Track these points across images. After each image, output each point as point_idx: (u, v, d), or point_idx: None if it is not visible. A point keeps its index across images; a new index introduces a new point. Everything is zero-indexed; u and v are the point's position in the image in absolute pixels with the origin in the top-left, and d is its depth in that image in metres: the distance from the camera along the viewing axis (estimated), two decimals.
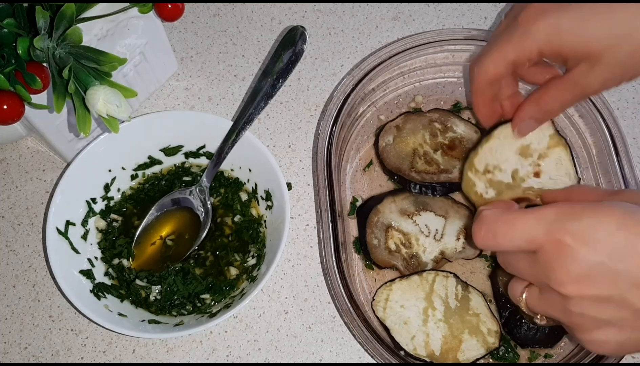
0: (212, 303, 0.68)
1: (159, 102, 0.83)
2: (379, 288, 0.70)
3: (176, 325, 0.65)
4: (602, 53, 0.52)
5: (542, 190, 0.67)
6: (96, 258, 0.70)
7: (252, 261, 0.70)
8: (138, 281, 0.68)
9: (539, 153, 0.68)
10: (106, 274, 0.69)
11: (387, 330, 0.68)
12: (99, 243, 0.71)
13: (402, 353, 0.66)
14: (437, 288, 0.69)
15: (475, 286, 0.71)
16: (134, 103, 0.81)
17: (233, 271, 0.70)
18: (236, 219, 0.73)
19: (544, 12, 0.54)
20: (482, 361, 0.67)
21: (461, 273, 0.71)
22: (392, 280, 0.70)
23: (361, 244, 0.72)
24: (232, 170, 0.74)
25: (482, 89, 0.62)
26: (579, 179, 0.69)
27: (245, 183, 0.74)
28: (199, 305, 0.69)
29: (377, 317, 0.68)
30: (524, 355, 0.69)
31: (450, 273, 0.70)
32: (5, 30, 0.56)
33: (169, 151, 0.74)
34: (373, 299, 0.69)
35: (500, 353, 0.68)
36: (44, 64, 0.57)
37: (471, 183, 0.69)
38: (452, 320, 0.68)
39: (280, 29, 0.87)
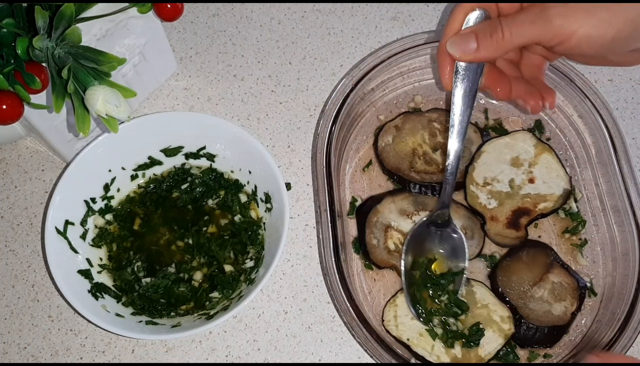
0: (220, 301, 0.68)
1: (158, 102, 0.83)
2: (384, 307, 0.69)
3: (174, 326, 0.65)
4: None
5: (539, 195, 0.72)
6: (100, 259, 0.70)
7: (250, 264, 0.70)
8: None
9: (529, 162, 0.75)
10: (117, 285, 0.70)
11: (407, 347, 0.67)
12: (109, 257, 0.71)
13: (412, 359, 0.65)
14: None
15: None
16: (133, 103, 0.81)
17: (227, 268, 0.70)
18: (236, 218, 0.73)
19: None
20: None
21: None
22: (394, 295, 0.70)
23: (360, 244, 0.72)
24: (232, 172, 0.74)
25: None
26: (570, 177, 0.73)
27: (245, 185, 0.74)
28: (206, 303, 0.69)
29: (394, 337, 0.68)
30: (523, 355, 0.69)
31: None
32: (5, 30, 0.56)
33: (170, 152, 0.74)
34: (383, 321, 0.69)
35: (501, 353, 0.68)
36: (43, 64, 0.57)
37: (474, 195, 0.74)
38: (463, 317, 0.68)
39: (280, 29, 0.87)
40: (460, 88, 0.59)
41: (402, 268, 0.69)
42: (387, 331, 0.68)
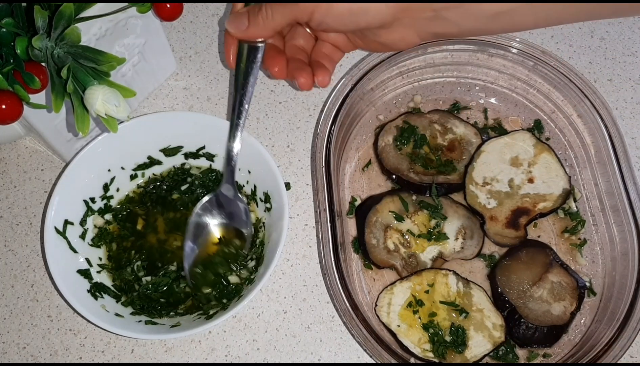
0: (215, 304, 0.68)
1: (157, 102, 0.83)
2: (381, 292, 0.70)
3: (173, 326, 0.65)
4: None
5: (538, 195, 0.73)
6: (99, 259, 0.70)
7: (250, 264, 0.70)
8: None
9: (528, 162, 0.75)
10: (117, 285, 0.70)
11: (393, 334, 0.68)
12: (109, 257, 0.71)
13: (412, 359, 0.66)
14: (438, 287, 0.69)
15: None
16: (132, 103, 0.81)
17: (233, 279, 0.70)
18: None
19: None
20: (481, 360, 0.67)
21: (460, 272, 0.71)
22: (393, 283, 0.70)
23: (360, 244, 0.72)
24: None
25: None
26: (569, 177, 0.73)
27: (244, 186, 0.74)
28: (200, 304, 0.69)
29: (382, 322, 0.68)
30: (522, 354, 0.69)
31: (450, 270, 0.70)
32: (4, 29, 0.56)
33: (169, 152, 0.74)
34: (376, 305, 0.69)
35: (500, 353, 0.68)
36: (43, 64, 0.57)
37: (474, 195, 0.74)
38: (461, 318, 0.68)
39: None
40: (240, 66, 0.61)
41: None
42: (378, 317, 0.69)
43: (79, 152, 0.68)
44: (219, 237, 0.71)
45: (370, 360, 0.69)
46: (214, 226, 0.71)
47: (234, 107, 0.63)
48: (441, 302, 0.68)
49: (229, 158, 0.66)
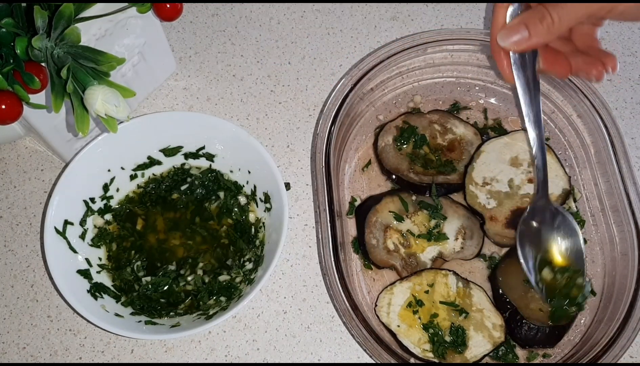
0: (214, 303, 0.68)
1: (157, 102, 0.83)
2: (380, 293, 0.70)
3: (173, 326, 0.65)
4: None
5: None
6: (99, 259, 0.70)
7: (249, 266, 0.70)
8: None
9: (528, 162, 0.75)
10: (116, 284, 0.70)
11: (393, 334, 0.68)
12: (108, 256, 0.71)
13: (412, 359, 0.66)
14: (437, 287, 0.69)
15: None
16: (132, 103, 0.81)
17: (224, 277, 0.70)
18: (235, 221, 0.73)
19: None
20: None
21: (460, 272, 0.71)
22: (393, 283, 0.70)
23: (360, 244, 0.72)
24: (231, 172, 0.74)
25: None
26: (569, 177, 0.73)
27: (243, 186, 0.74)
28: (200, 304, 0.69)
29: (382, 323, 0.68)
30: (522, 354, 0.69)
31: (449, 270, 0.70)
32: (4, 30, 0.56)
33: (169, 152, 0.73)
34: (376, 305, 0.69)
35: (500, 353, 0.68)
36: (43, 64, 0.57)
37: (474, 195, 0.74)
38: (460, 318, 0.68)
39: (279, 29, 0.87)
40: (521, 78, 0.60)
41: (532, 281, 0.66)
42: (378, 317, 0.69)
43: (78, 153, 0.68)
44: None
45: (370, 360, 0.69)
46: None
47: (530, 118, 0.63)
48: (441, 302, 0.68)
49: (544, 172, 0.65)
